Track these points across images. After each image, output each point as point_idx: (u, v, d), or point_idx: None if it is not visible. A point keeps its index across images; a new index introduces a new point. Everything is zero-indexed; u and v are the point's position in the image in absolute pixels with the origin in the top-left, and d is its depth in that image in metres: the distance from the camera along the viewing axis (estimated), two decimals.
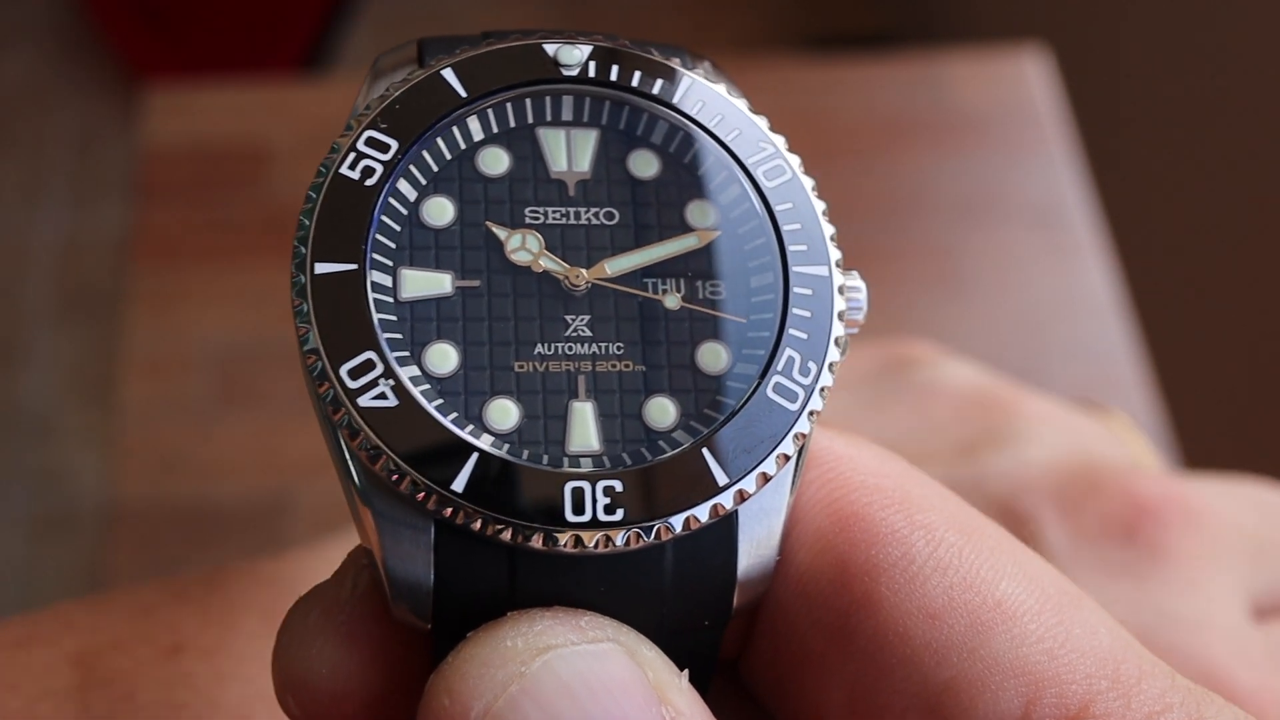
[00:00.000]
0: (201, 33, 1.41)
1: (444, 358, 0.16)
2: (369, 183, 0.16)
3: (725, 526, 0.15)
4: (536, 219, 0.17)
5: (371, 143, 0.16)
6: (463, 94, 0.17)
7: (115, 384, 0.63)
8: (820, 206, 0.17)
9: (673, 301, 0.17)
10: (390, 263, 0.16)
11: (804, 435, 0.16)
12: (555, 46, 0.19)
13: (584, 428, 0.15)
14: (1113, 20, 1.07)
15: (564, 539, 0.14)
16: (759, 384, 0.16)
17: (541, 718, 0.13)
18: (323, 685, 0.15)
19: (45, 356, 1.28)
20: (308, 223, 0.16)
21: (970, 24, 1.34)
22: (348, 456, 0.15)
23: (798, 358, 0.16)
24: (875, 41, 1.41)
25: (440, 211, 0.17)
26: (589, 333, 0.16)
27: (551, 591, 0.15)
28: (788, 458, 0.16)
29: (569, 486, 0.15)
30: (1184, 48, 0.98)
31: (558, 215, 0.17)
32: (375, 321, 0.15)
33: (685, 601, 0.15)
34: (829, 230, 0.17)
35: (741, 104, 0.18)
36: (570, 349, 0.16)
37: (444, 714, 0.14)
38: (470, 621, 0.14)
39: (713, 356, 0.16)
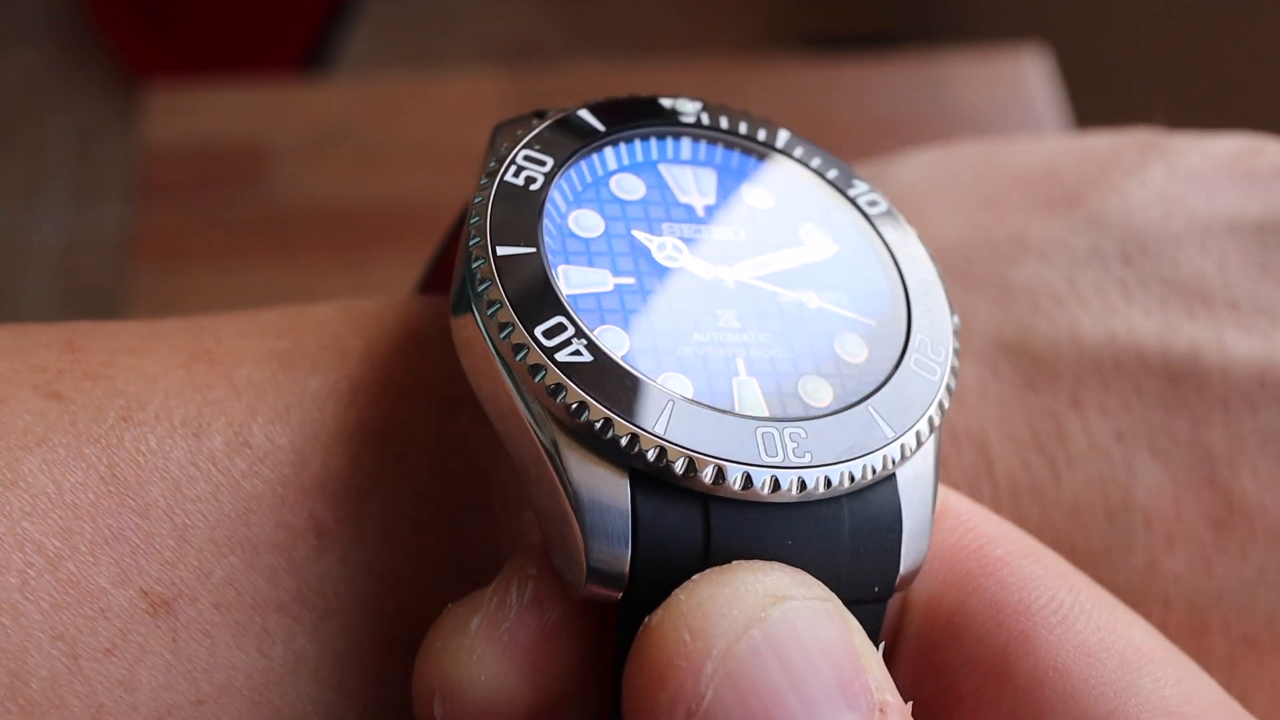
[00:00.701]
0: (201, 33, 1.41)
1: (617, 339, 0.17)
2: (533, 188, 0.18)
3: (890, 488, 0.17)
4: (675, 231, 0.19)
5: (529, 159, 0.18)
6: (600, 128, 0.20)
7: None
8: (913, 231, 0.20)
9: (811, 300, 0.18)
10: (553, 259, 0.17)
11: (944, 406, 0.17)
12: (671, 100, 0.21)
13: (753, 396, 0.17)
14: (1113, 20, 1.07)
15: (761, 479, 0.15)
16: (900, 361, 0.18)
17: (776, 663, 0.14)
18: (479, 694, 0.15)
19: None
20: (482, 216, 0.17)
21: (970, 24, 1.34)
22: (539, 422, 0.15)
23: (929, 341, 0.18)
24: (875, 42, 1.41)
25: (590, 222, 0.18)
26: (738, 324, 0.17)
27: (743, 547, 0.15)
28: (934, 424, 0.17)
29: (759, 431, 0.16)
30: (1184, 48, 0.98)
31: (693, 230, 0.19)
32: (561, 292, 0.16)
33: (859, 561, 0.16)
34: (926, 246, 0.20)
35: (820, 150, 0.21)
36: (724, 338, 0.17)
37: (684, 650, 0.14)
38: (664, 584, 0.15)
39: (854, 346, 0.18)
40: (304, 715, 0.17)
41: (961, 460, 0.20)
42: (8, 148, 1.39)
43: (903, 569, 0.16)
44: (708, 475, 0.15)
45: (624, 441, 0.15)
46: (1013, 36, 0.80)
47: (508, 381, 0.15)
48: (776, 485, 0.15)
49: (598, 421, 0.15)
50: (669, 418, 0.15)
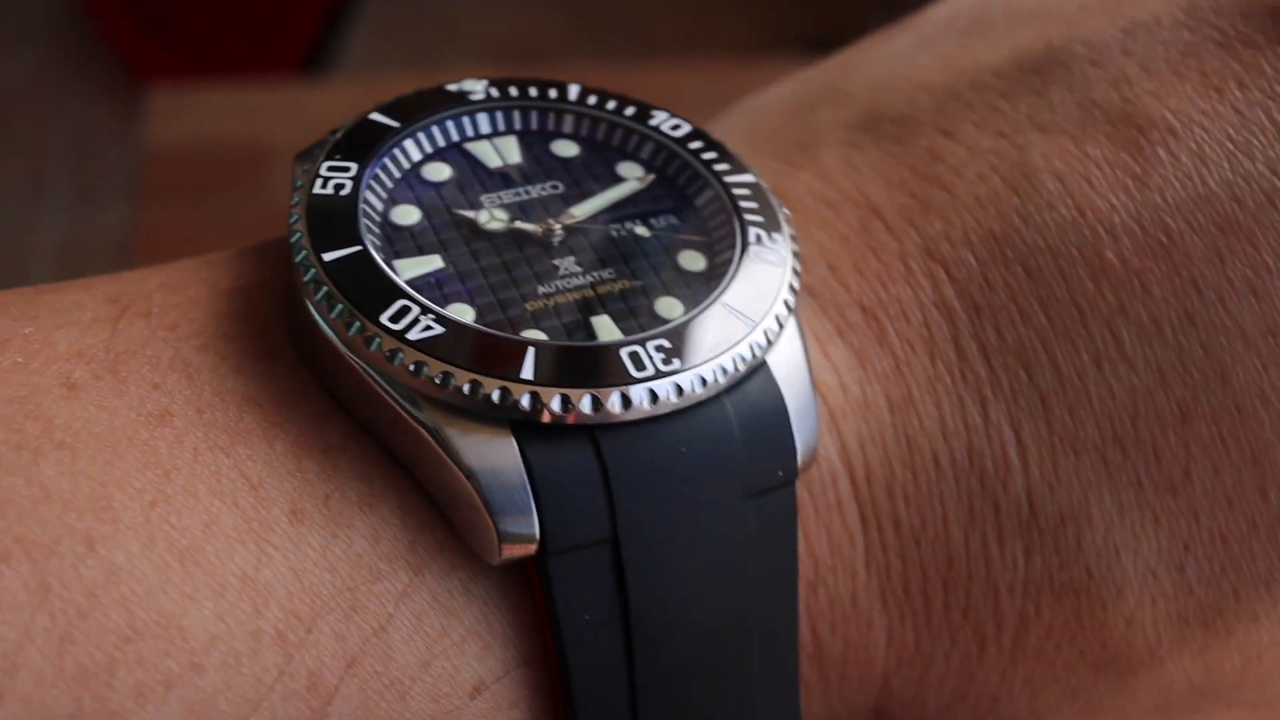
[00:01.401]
0: (202, 34, 1.41)
1: (462, 311, 0.17)
2: (343, 193, 0.18)
3: (765, 375, 0.17)
4: (494, 201, 0.19)
5: (333, 169, 0.18)
6: (395, 125, 0.20)
7: None
8: (711, 136, 0.20)
9: (641, 230, 0.19)
10: (381, 256, 0.17)
11: (795, 287, 0.17)
12: (457, 84, 0.22)
13: (609, 327, 0.17)
14: None
15: (638, 395, 0.15)
16: (741, 258, 0.18)
17: None
18: None
19: None
20: (301, 232, 0.17)
21: None
22: (413, 405, 0.15)
23: (764, 233, 0.18)
24: None
25: (406, 214, 0.18)
26: (579, 268, 0.18)
27: (641, 469, 0.15)
28: (790, 305, 0.17)
29: (624, 351, 0.16)
30: None
31: (510, 194, 0.19)
32: (398, 280, 0.16)
33: (756, 452, 0.16)
34: (733, 150, 0.20)
35: (615, 94, 0.22)
36: (568, 284, 0.17)
37: None
38: (575, 524, 0.15)
39: (693, 259, 0.18)
40: None
41: (847, 218, 0.19)
42: (9, 148, 1.39)
43: (800, 448, 0.16)
44: (585, 405, 0.15)
45: (495, 396, 0.15)
46: None
47: (369, 377, 0.15)
48: (654, 397, 0.15)
49: (465, 385, 0.15)
50: (533, 364, 0.15)
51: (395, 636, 0.14)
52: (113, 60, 1.42)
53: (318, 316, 0.16)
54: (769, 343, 0.17)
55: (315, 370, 0.16)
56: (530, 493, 0.15)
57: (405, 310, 0.16)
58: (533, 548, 0.15)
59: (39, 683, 0.11)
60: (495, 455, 0.15)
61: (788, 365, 0.17)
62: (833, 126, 0.20)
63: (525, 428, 0.15)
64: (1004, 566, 0.16)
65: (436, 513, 0.15)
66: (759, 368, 0.17)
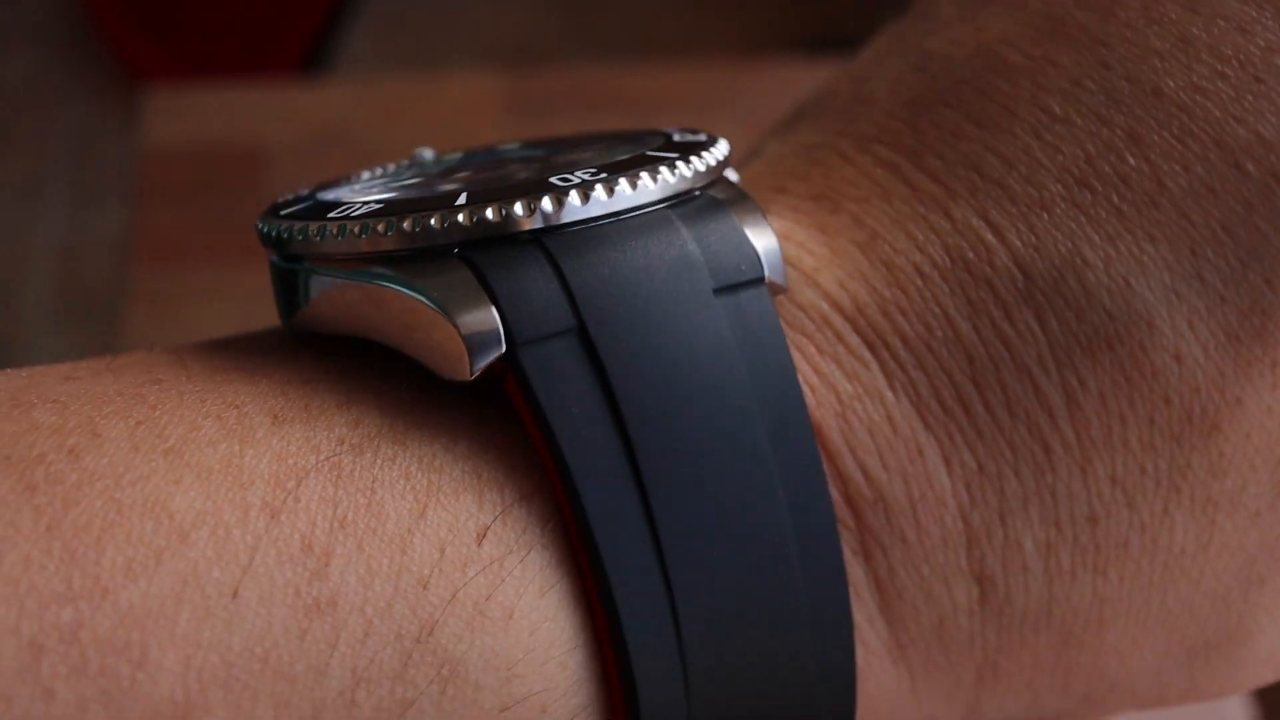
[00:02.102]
0: (201, 34, 1.41)
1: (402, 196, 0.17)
2: (304, 193, 0.19)
3: (707, 198, 0.16)
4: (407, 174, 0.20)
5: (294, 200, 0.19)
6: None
7: None
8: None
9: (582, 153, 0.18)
10: (326, 195, 0.18)
11: (724, 157, 0.17)
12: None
13: (534, 169, 0.17)
14: None
15: (571, 193, 0.15)
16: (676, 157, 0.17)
17: None
18: None
19: (46, 357, 1.28)
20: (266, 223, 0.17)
21: None
22: (363, 274, 0.15)
23: (701, 150, 0.17)
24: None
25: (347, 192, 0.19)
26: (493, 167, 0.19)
27: (591, 260, 0.15)
28: (722, 160, 0.17)
29: (553, 177, 0.16)
30: None
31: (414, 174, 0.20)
32: (340, 198, 0.17)
33: (711, 251, 0.15)
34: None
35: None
36: (489, 172, 0.18)
37: None
38: (540, 322, 0.15)
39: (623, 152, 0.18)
40: None
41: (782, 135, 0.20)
42: (7, 148, 1.39)
43: (760, 250, 0.16)
44: (518, 208, 0.15)
45: (434, 221, 0.15)
46: None
47: (328, 272, 0.15)
48: (585, 196, 0.15)
49: (406, 223, 0.15)
50: (466, 195, 0.15)
51: (384, 495, 0.13)
52: (111, 61, 1.42)
53: (278, 242, 0.16)
54: (704, 170, 0.16)
55: (295, 325, 0.16)
56: (487, 295, 0.14)
57: (348, 206, 0.16)
58: (500, 345, 0.14)
59: (27, 565, 0.11)
60: (447, 273, 0.15)
61: (731, 194, 0.16)
62: None
63: (471, 247, 0.15)
64: (1023, 340, 0.15)
65: (414, 398, 0.15)
66: (698, 195, 0.16)
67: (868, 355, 0.16)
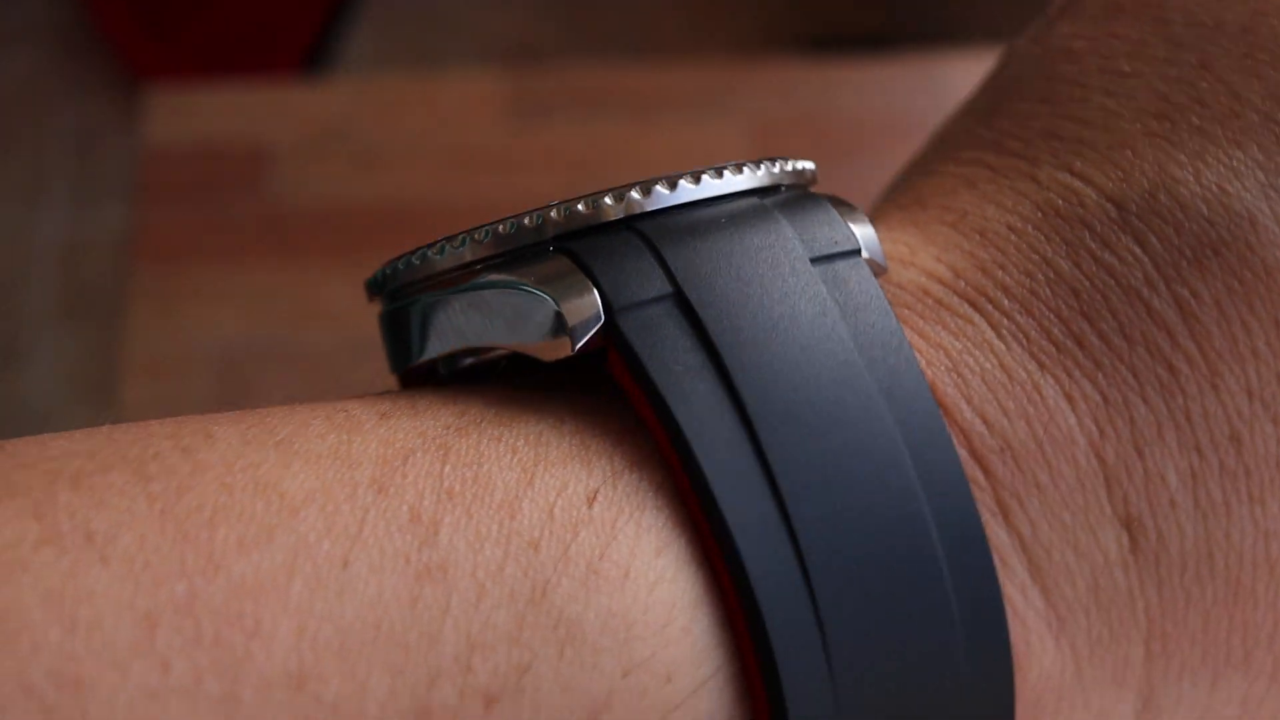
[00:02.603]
0: (202, 34, 1.41)
1: None
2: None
3: (799, 190, 0.16)
4: None
5: None
6: None
7: (116, 384, 0.63)
8: None
9: None
10: None
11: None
12: None
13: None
14: None
15: (658, 184, 0.15)
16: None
17: None
18: None
19: (47, 356, 1.28)
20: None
21: (967, 25, 1.34)
22: (465, 284, 0.16)
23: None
24: (873, 43, 1.41)
25: None
26: None
27: (682, 232, 0.15)
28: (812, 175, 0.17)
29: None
30: None
31: None
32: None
33: (804, 229, 0.15)
34: None
35: None
36: None
37: None
38: (632, 280, 0.15)
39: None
40: None
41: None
42: (8, 148, 1.39)
43: (854, 228, 0.16)
44: (608, 199, 0.15)
45: (528, 220, 0.15)
46: (1009, 37, 0.80)
47: (437, 297, 0.16)
48: (672, 184, 0.15)
49: (500, 227, 0.15)
50: (558, 201, 0.15)
51: (490, 468, 0.13)
52: (112, 60, 1.42)
53: (385, 280, 0.16)
54: (790, 171, 0.16)
55: (409, 372, 0.17)
56: (582, 272, 0.15)
57: (448, 237, 0.16)
58: (598, 316, 0.14)
59: (141, 545, 0.11)
60: (544, 260, 0.15)
61: (823, 193, 0.16)
62: None
63: (566, 239, 0.15)
64: (1126, 264, 0.15)
65: (520, 392, 0.15)
66: (787, 189, 0.16)
67: (971, 312, 0.16)
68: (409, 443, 0.14)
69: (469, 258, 0.15)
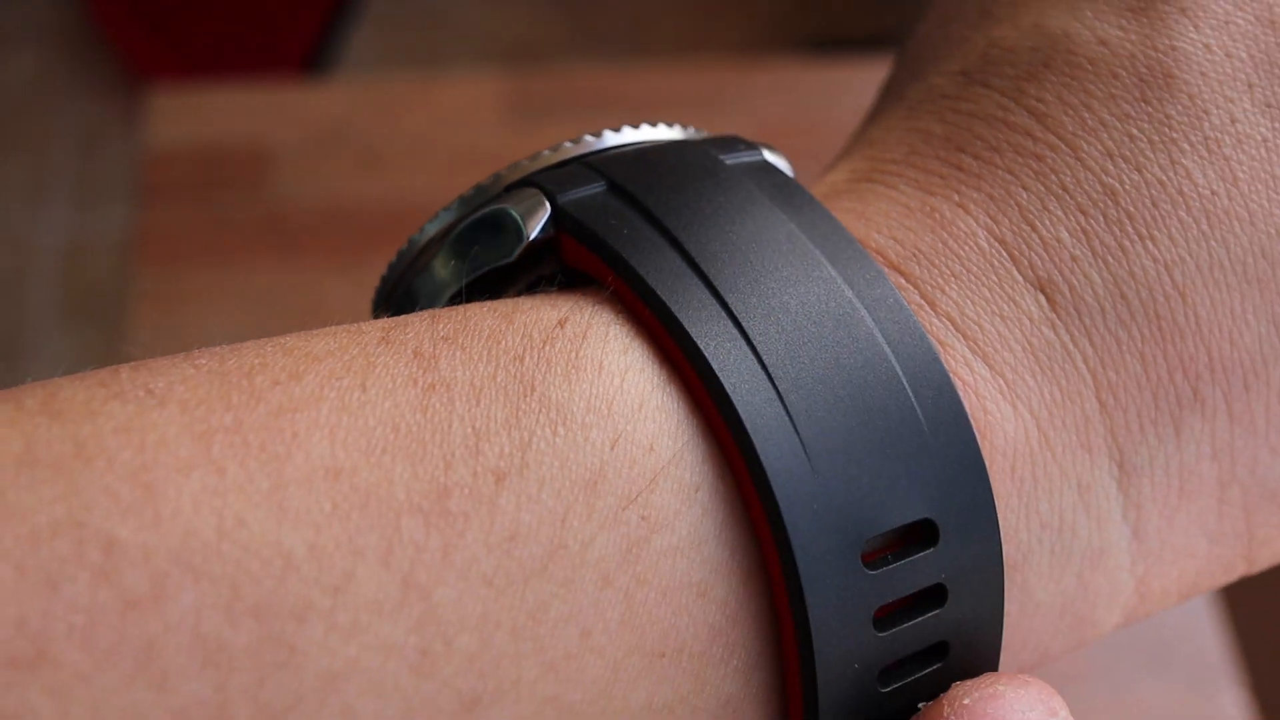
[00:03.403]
0: (204, 35, 1.42)
1: None
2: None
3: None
4: None
5: None
6: None
7: None
8: None
9: None
10: None
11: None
12: None
13: None
14: None
15: (606, 131, 0.18)
16: None
17: None
18: None
19: (50, 356, 1.28)
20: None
21: None
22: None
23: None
24: (872, 44, 1.41)
25: None
26: None
27: (622, 154, 0.18)
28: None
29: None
30: None
31: None
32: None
33: (717, 144, 0.18)
34: None
35: None
36: None
37: None
38: (571, 183, 0.17)
39: None
40: None
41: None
42: (11, 149, 1.39)
43: (761, 149, 0.18)
44: (547, 150, 0.17)
45: (486, 181, 0.17)
46: None
47: (432, 262, 0.18)
48: (599, 133, 0.17)
49: (465, 193, 0.18)
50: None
51: (474, 314, 0.16)
52: (115, 61, 1.43)
53: (390, 284, 0.19)
54: (730, 133, 0.18)
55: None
56: (530, 185, 0.17)
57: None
58: (545, 206, 0.17)
59: (193, 392, 0.14)
60: (516, 191, 0.17)
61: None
62: None
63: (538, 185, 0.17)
64: (979, 101, 0.18)
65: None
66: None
67: (868, 186, 0.18)
68: (406, 317, 0.16)
69: (446, 223, 0.17)
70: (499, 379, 0.15)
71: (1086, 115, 0.17)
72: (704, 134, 0.18)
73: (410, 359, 0.15)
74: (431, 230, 0.17)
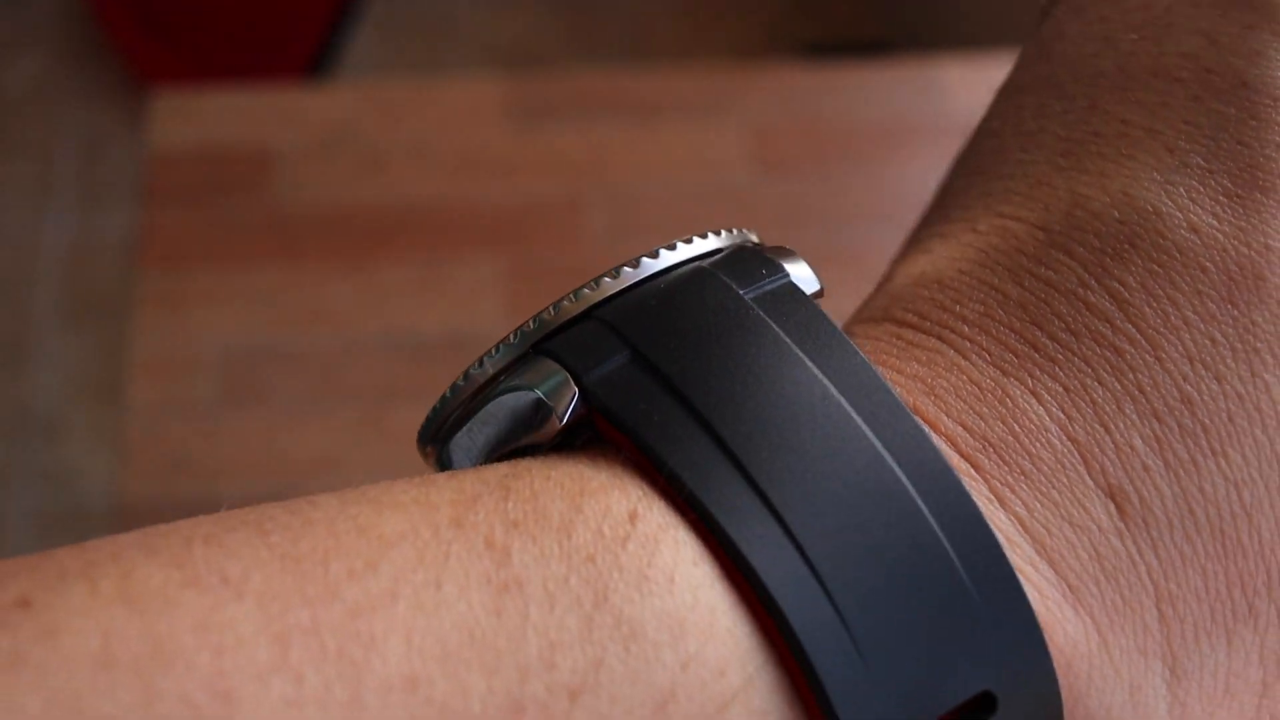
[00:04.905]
0: (207, 39, 1.42)
1: None
2: None
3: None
4: None
5: None
6: None
7: (123, 385, 0.64)
8: None
9: None
10: None
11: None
12: None
13: None
14: None
15: (624, 268, 0.17)
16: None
17: None
18: None
19: (54, 358, 1.29)
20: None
21: (964, 32, 1.35)
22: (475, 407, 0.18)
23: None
24: (871, 49, 1.42)
25: None
26: None
27: (630, 302, 0.17)
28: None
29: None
30: None
31: None
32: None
33: (732, 270, 0.18)
34: None
35: None
36: None
37: None
38: (590, 350, 0.17)
39: None
40: None
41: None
42: (15, 152, 1.40)
43: (784, 264, 0.18)
44: (566, 300, 0.17)
45: (512, 338, 0.17)
46: (1007, 43, 0.81)
47: (459, 432, 0.18)
48: (618, 271, 0.17)
49: (491, 351, 0.17)
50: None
51: (544, 500, 0.16)
52: (118, 65, 1.43)
53: (425, 436, 0.19)
54: (731, 234, 0.18)
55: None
56: (554, 361, 0.17)
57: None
58: (573, 390, 0.16)
59: (268, 582, 0.14)
60: (525, 366, 0.17)
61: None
62: None
63: (542, 343, 0.17)
64: (1060, 273, 0.17)
65: (558, 453, 0.17)
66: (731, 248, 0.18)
67: (937, 344, 0.17)
68: (475, 488, 0.16)
69: (506, 360, 0.17)
70: (572, 583, 0.14)
71: (1170, 311, 0.16)
72: (741, 235, 0.18)
73: (483, 550, 0.15)
74: (490, 367, 0.17)
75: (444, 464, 0.18)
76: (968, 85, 0.73)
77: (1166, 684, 0.17)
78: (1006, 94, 0.20)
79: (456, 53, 1.47)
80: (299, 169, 0.69)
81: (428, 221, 0.67)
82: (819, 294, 0.17)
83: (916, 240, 0.20)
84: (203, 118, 0.70)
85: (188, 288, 0.65)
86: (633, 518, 0.15)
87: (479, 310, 0.65)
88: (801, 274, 0.17)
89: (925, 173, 0.70)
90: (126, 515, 0.59)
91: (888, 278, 0.20)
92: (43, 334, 1.30)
